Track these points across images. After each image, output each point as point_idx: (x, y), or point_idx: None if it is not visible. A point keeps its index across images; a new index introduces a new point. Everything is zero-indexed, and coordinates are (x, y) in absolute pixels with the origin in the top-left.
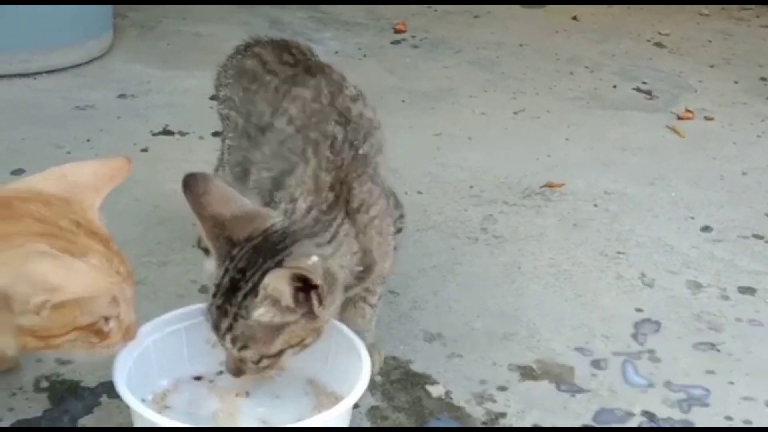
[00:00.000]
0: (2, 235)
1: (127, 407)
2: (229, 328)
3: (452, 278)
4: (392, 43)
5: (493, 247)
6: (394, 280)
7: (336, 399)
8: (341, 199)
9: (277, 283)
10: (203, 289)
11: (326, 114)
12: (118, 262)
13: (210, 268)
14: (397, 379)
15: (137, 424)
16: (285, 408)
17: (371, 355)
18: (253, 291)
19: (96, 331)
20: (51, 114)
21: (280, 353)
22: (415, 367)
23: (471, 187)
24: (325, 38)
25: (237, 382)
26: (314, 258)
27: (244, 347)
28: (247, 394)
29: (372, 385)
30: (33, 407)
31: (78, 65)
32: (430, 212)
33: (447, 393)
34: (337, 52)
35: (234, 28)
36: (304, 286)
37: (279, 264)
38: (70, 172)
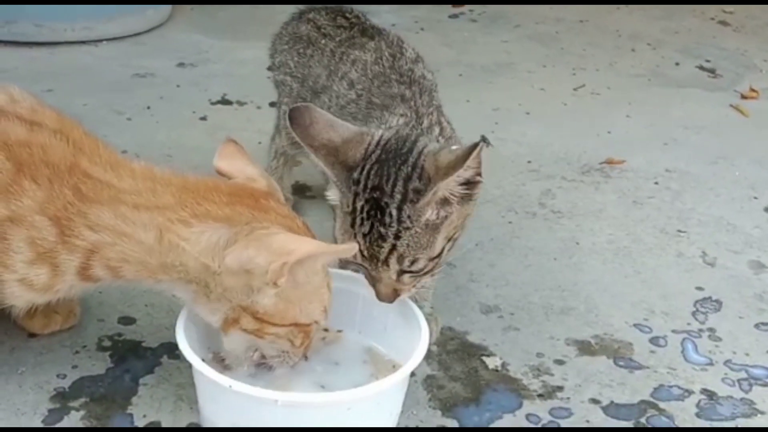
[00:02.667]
0: (254, 221)
1: (188, 367)
2: (392, 248)
3: (509, 252)
4: (450, 16)
5: (552, 222)
6: None
7: (394, 367)
8: (433, 123)
9: (451, 185)
10: None
11: (387, 76)
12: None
13: (333, 197)
14: (453, 350)
15: (199, 384)
16: (342, 374)
17: (428, 325)
18: (406, 200)
19: (305, 333)
20: (112, 81)
21: (441, 252)
22: (472, 339)
23: (529, 162)
24: (382, 11)
25: None
26: (455, 146)
27: (414, 260)
28: (306, 358)
29: (428, 355)
30: (96, 365)
31: (138, 33)
32: (487, 186)
33: (503, 365)
34: (393, 25)
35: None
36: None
37: (415, 166)
38: (243, 170)
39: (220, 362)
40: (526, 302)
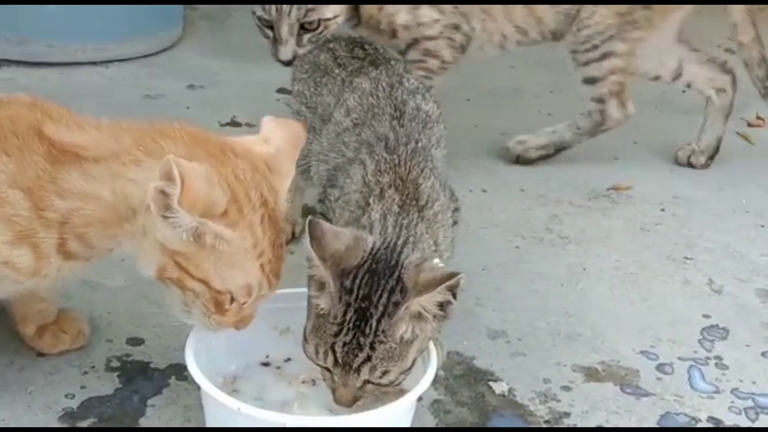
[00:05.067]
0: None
1: (196, 389)
2: (367, 359)
3: (516, 276)
4: None
5: (559, 247)
6: None
7: (401, 391)
8: (410, 198)
9: (429, 301)
10: None
11: (381, 108)
12: (269, 256)
13: (324, 305)
14: (460, 375)
15: (207, 406)
16: None
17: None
18: (386, 313)
19: (216, 302)
20: (122, 102)
21: (413, 364)
22: (478, 363)
23: (536, 186)
24: None
25: (305, 370)
26: (436, 259)
27: (385, 372)
28: (314, 382)
29: (435, 380)
30: (104, 386)
31: (148, 55)
32: (494, 210)
33: (510, 390)
34: None
35: None
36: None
37: (399, 280)
38: (272, 135)
39: (229, 385)
40: (533, 327)
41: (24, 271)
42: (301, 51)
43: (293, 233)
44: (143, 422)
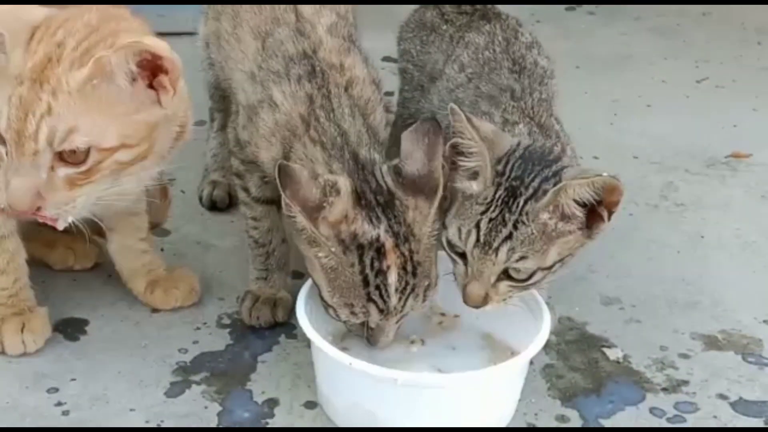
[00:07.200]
0: None
1: (306, 347)
2: (508, 237)
3: (630, 243)
4: (567, 9)
5: (675, 214)
6: None
7: (511, 353)
8: (543, 133)
9: (579, 190)
10: None
11: (498, 62)
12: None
13: (477, 188)
14: (572, 340)
15: (318, 362)
16: (459, 359)
17: None
18: (534, 196)
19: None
20: None
21: (551, 267)
22: (592, 329)
23: (650, 154)
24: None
25: (414, 330)
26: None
27: (523, 257)
28: (423, 342)
29: (546, 344)
30: (216, 342)
31: None
32: None
33: (625, 357)
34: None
35: None
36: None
37: (556, 174)
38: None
39: (338, 343)
40: (649, 295)
41: None
42: None
43: None
44: (254, 377)
